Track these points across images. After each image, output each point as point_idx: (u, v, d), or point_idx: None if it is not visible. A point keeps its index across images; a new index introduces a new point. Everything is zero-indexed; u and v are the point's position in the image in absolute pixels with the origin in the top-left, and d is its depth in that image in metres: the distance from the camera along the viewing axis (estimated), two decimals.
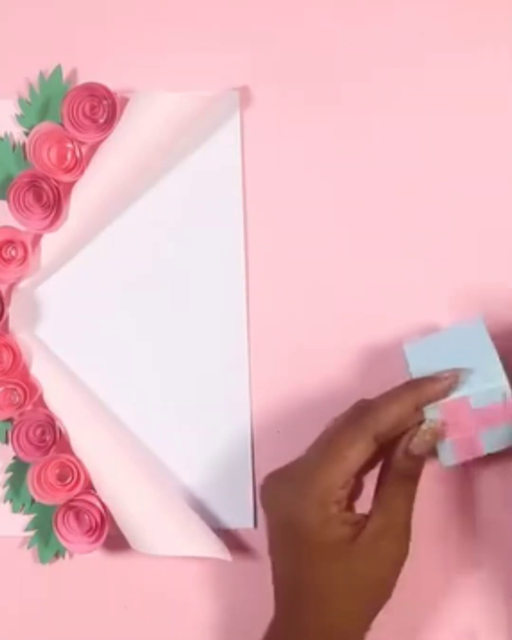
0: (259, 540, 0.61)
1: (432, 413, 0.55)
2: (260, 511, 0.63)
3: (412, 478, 0.56)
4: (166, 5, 0.63)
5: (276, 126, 0.63)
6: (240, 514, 0.63)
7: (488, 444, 0.56)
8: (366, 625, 0.56)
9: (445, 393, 0.55)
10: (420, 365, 0.57)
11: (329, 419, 0.61)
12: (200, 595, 0.64)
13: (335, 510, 0.55)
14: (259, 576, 0.58)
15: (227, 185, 0.63)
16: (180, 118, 0.61)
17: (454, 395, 0.55)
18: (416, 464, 0.56)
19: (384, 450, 0.56)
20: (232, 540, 0.63)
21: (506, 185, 0.61)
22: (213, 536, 0.62)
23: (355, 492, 0.57)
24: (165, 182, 0.64)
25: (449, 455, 0.56)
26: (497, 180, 0.61)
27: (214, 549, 0.62)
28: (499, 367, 0.56)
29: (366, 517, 0.55)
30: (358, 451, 0.55)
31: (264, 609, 0.58)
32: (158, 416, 0.64)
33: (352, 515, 0.56)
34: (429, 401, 0.55)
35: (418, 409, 0.55)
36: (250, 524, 0.63)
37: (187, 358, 0.64)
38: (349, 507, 0.56)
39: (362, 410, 0.56)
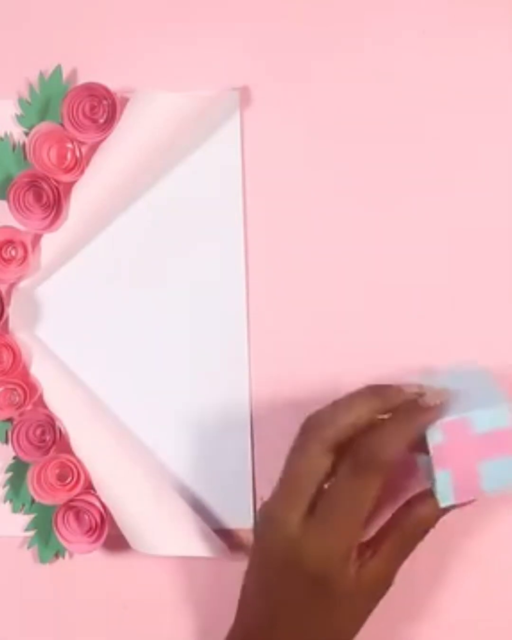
0: None
1: (434, 435, 0.54)
2: None
3: (426, 529, 0.55)
4: (166, 5, 0.63)
5: (276, 126, 0.63)
6: (240, 514, 0.63)
7: (488, 480, 0.54)
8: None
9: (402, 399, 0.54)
10: None
11: None
12: (200, 595, 0.64)
13: (354, 556, 0.54)
14: None
15: (227, 185, 0.63)
16: (180, 118, 0.61)
17: (456, 415, 0.54)
18: (438, 515, 0.55)
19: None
20: (232, 540, 0.63)
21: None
22: (213, 536, 0.62)
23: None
24: (165, 182, 0.64)
25: (447, 492, 0.54)
26: (501, 179, 0.61)
27: (214, 549, 0.62)
28: (502, 392, 0.55)
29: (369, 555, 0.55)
30: (316, 465, 0.54)
31: None
32: (158, 416, 0.64)
33: (360, 560, 0.55)
34: (386, 409, 0.54)
35: (377, 413, 0.54)
36: (250, 524, 0.63)
37: (187, 358, 0.64)
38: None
39: (316, 426, 0.55)
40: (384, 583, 0.55)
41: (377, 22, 0.62)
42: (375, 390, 0.55)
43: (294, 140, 0.63)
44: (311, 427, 0.55)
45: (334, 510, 0.54)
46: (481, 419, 0.54)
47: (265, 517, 0.56)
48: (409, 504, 0.56)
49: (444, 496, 0.54)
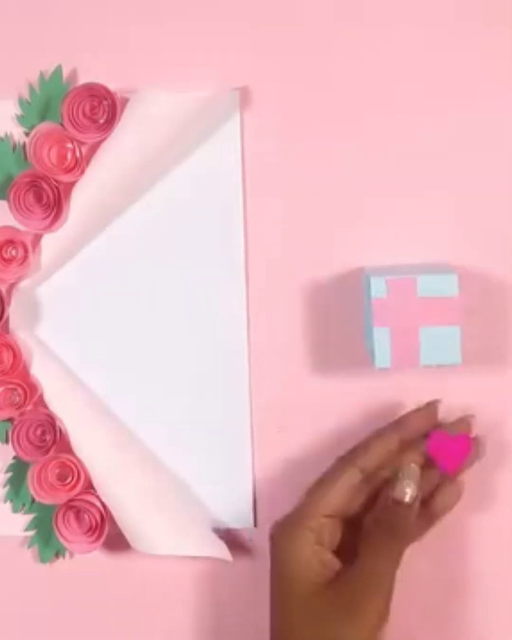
0: (259, 540, 0.61)
1: (379, 288, 0.55)
2: (260, 511, 0.63)
3: (396, 534, 0.55)
4: (166, 5, 0.63)
5: (276, 126, 0.63)
6: (240, 514, 0.63)
7: (427, 346, 0.55)
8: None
9: (426, 420, 0.57)
10: (377, 271, 0.57)
11: (327, 419, 0.62)
12: (200, 595, 0.64)
13: (311, 538, 0.55)
14: (259, 576, 0.58)
15: (227, 185, 0.63)
16: (180, 118, 0.61)
17: (402, 275, 0.55)
18: (401, 516, 0.55)
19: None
20: (232, 540, 0.63)
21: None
22: (213, 536, 0.62)
23: (338, 540, 0.57)
24: (165, 182, 0.64)
25: (385, 351, 0.55)
26: (503, 179, 0.61)
27: (214, 549, 0.62)
28: (453, 273, 0.55)
29: (342, 565, 0.56)
30: (343, 479, 0.56)
31: (264, 609, 0.58)
32: (158, 416, 0.64)
33: (329, 556, 0.56)
34: (413, 433, 0.56)
35: (402, 442, 0.56)
36: (250, 524, 0.63)
37: (187, 358, 0.64)
38: (328, 544, 0.56)
39: (349, 451, 0.58)
40: (370, 595, 0.54)
41: (377, 22, 0.62)
42: (396, 421, 0.59)
43: (294, 140, 0.63)
44: (349, 453, 0.58)
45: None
46: (425, 282, 0.54)
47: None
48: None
49: (382, 357, 0.55)
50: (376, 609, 0.55)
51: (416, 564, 0.59)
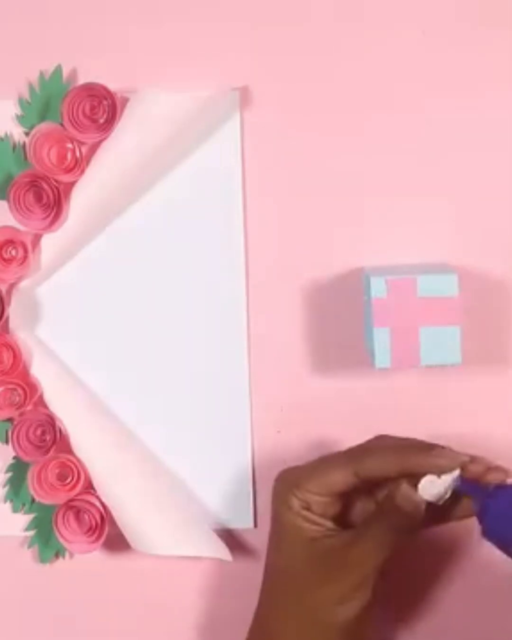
0: (259, 540, 0.61)
1: (379, 288, 0.55)
2: (260, 511, 0.63)
3: (394, 530, 0.54)
4: (166, 5, 0.63)
5: (276, 126, 0.63)
6: (241, 514, 0.63)
7: (427, 346, 0.55)
8: (338, 602, 0.55)
9: (435, 469, 0.52)
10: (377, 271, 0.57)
11: (327, 419, 0.62)
12: (201, 595, 0.64)
13: (296, 503, 0.55)
14: (259, 576, 0.58)
15: (227, 185, 0.63)
16: (180, 118, 0.61)
17: (402, 275, 0.55)
18: (404, 520, 0.53)
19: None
20: (232, 540, 0.63)
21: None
22: (213, 536, 0.62)
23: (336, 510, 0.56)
24: (165, 182, 0.64)
25: (385, 351, 0.55)
26: (504, 180, 0.61)
27: (214, 549, 0.62)
28: (453, 273, 0.56)
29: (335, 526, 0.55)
30: (337, 476, 0.55)
31: None
32: (158, 416, 0.64)
33: (316, 519, 0.55)
34: (415, 471, 0.53)
35: (402, 473, 0.53)
36: (250, 524, 0.63)
37: (187, 357, 0.64)
38: (317, 513, 0.55)
39: (360, 448, 0.56)
40: (341, 559, 0.54)
41: (377, 22, 0.62)
42: (407, 450, 0.55)
43: (294, 140, 0.63)
44: (357, 453, 0.56)
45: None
46: (425, 282, 0.55)
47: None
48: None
49: (382, 357, 0.55)
50: (351, 578, 0.54)
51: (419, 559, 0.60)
